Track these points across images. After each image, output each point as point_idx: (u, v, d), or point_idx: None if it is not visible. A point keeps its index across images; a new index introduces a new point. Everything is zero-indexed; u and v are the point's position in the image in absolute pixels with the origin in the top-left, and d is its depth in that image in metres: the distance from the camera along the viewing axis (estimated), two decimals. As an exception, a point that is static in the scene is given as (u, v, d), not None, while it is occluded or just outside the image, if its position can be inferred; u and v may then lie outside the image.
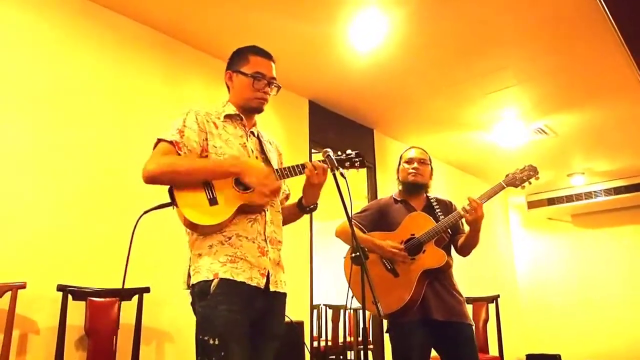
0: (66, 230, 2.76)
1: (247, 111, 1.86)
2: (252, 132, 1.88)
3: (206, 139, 1.73)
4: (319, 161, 1.80)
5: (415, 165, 2.63)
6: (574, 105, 4.94)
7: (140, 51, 3.37)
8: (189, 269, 1.67)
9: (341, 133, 5.02)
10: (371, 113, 5.08)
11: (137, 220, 1.61)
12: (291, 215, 1.96)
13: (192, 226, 1.62)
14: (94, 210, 2.88)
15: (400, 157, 2.75)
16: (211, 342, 1.49)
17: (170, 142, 1.66)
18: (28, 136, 2.73)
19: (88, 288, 2.61)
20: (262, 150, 1.87)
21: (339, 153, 1.88)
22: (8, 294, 2.35)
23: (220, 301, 1.54)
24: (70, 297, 2.54)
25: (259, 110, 1.86)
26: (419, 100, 4.82)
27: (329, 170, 1.79)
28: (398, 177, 2.74)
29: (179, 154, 1.65)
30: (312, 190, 1.84)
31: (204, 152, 1.72)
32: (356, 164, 1.87)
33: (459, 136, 5.75)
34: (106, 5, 3.19)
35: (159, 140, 1.69)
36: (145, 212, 1.65)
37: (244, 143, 1.81)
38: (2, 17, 2.76)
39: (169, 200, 1.66)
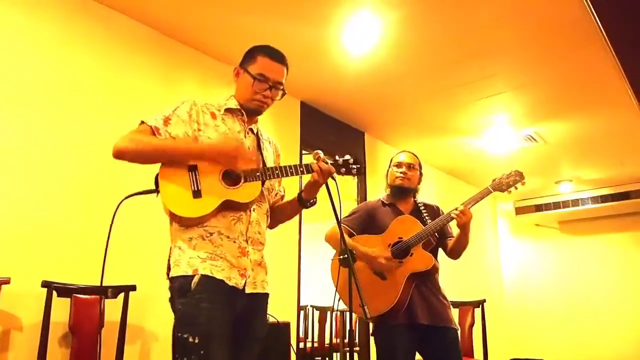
0: (52, 226, 2.73)
1: (246, 110, 1.82)
2: (251, 129, 1.85)
3: (199, 130, 1.69)
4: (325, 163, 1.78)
5: (404, 169, 2.64)
6: (564, 114, 4.99)
7: (137, 50, 3.35)
8: (169, 260, 1.65)
9: (332, 135, 5.02)
10: (362, 116, 5.09)
11: (118, 205, 1.58)
12: (291, 210, 1.94)
13: (172, 215, 1.60)
14: (81, 207, 2.85)
15: (391, 161, 2.76)
16: (191, 340, 1.46)
17: (150, 127, 1.64)
18: (14, 132, 2.70)
19: (73, 285, 2.58)
20: (259, 149, 1.83)
21: (337, 157, 1.84)
22: (-8, 290, 2.32)
23: (202, 299, 1.51)
24: (55, 293, 2.51)
25: (257, 112, 1.83)
26: (410, 104, 4.84)
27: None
28: (387, 180, 2.75)
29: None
30: (314, 187, 1.80)
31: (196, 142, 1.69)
32: (353, 171, 1.84)
33: (449, 141, 5.77)
34: (104, 2, 3.17)
35: (142, 123, 1.67)
36: (127, 197, 1.64)
37: (242, 139, 1.77)
38: (3, 17, 2.73)
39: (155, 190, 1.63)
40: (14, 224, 2.59)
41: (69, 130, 2.91)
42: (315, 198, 1.86)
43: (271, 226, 1.92)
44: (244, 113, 1.81)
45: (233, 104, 1.81)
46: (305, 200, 1.85)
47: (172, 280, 1.59)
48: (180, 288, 1.54)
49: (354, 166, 1.84)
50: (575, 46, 3.73)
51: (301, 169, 1.75)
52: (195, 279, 1.52)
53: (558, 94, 4.57)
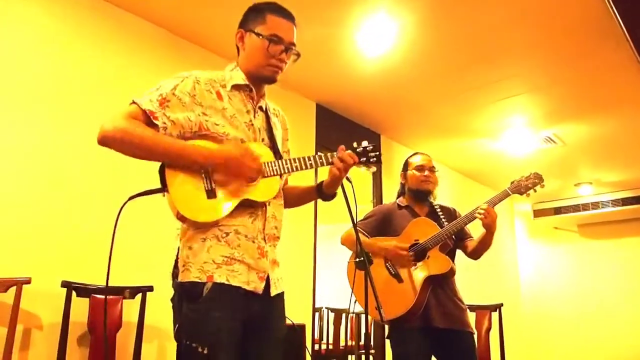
0: (71, 226, 2.77)
1: (258, 80, 1.63)
2: (260, 107, 1.66)
3: (203, 114, 1.49)
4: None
5: (427, 173, 2.63)
6: (583, 115, 4.91)
7: (147, 49, 3.38)
8: (177, 262, 1.48)
9: (348, 137, 4.97)
10: (378, 118, 5.07)
11: (121, 208, 1.43)
12: (307, 199, 1.82)
13: (183, 219, 1.44)
14: (100, 207, 2.88)
15: (407, 163, 2.73)
16: (199, 350, 1.36)
17: (144, 111, 1.42)
18: (32, 133, 2.74)
19: (92, 285, 2.61)
20: (269, 128, 1.66)
21: (354, 145, 1.68)
22: (13, 289, 2.36)
23: (213, 307, 1.40)
24: (74, 293, 2.55)
25: (272, 80, 1.62)
26: (427, 107, 4.82)
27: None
28: (404, 183, 2.73)
29: (156, 125, 1.42)
30: (336, 181, 1.65)
31: (202, 130, 1.49)
32: (372, 160, 1.67)
33: (466, 143, 5.73)
34: (114, 2, 3.20)
35: (132, 103, 1.45)
36: (131, 197, 1.47)
37: (250, 121, 1.59)
38: (11, 13, 2.78)
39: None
40: (34, 224, 2.63)
41: (83, 130, 2.93)
42: (336, 192, 1.72)
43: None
44: (252, 89, 1.62)
45: (240, 78, 1.60)
46: (327, 194, 1.70)
47: (180, 284, 1.44)
48: (189, 292, 1.42)
49: (373, 154, 1.67)
50: (595, 46, 3.68)
51: (320, 161, 1.61)
52: (208, 286, 1.40)
53: (577, 95, 4.51)
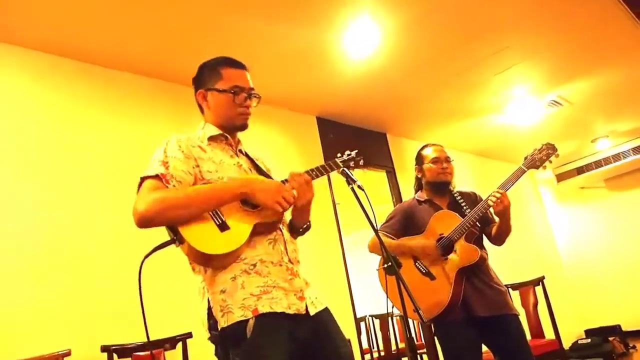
0: (100, 290, 2.77)
1: (231, 130, 1.70)
2: (240, 151, 1.73)
3: (197, 166, 1.54)
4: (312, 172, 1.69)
5: (445, 165, 2.60)
6: (584, 72, 4.83)
7: (145, 101, 3.43)
8: (211, 312, 1.45)
9: (354, 143, 4.98)
10: (380, 118, 5.04)
11: (140, 267, 1.44)
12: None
13: (204, 260, 1.44)
14: (124, 267, 2.88)
15: (421, 157, 2.69)
16: None
17: (155, 176, 1.45)
18: (38, 196, 2.77)
19: (131, 344, 2.60)
20: (256, 167, 1.72)
21: (338, 155, 1.84)
22: (55, 364, 2.37)
23: (261, 345, 1.38)
24: (115, 356, 2.54)
25: (244, 127, 1.70)
26: (426, 96, 4.78)
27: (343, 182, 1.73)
28: (421, 177, 2.69)
29: (168, 187, 1.44)
30: (303, 209, 1.66)
31: (199, 180, 1.53)
32: (360, 162, 1.85)
33: (473, 123, 5.67)
34: (101, 64, 3.25)
35: (143, 180, 1.47)
36: (146, 256, 1.46)
37: (238, 162, 1.65)
38: (9, 92, 2.83)
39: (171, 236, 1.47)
40: (63, 296, 2.65)
41: (100, 190, 2.97)
42: (309, 222, 1.72)
43: None
44: (228, 137, 1.68)
45: (213, 130, 1.67)
46: (298, 227, 1.70)
47: (223, 330, 1.40)
48: (233, 337, 1.39)
49: (358, 158, 1.86)
50: (583, 3, 3.62)
51: (315, 173, 1.70)
52: (250, 324, 1.37)
53: (574, 53, 4.43)
